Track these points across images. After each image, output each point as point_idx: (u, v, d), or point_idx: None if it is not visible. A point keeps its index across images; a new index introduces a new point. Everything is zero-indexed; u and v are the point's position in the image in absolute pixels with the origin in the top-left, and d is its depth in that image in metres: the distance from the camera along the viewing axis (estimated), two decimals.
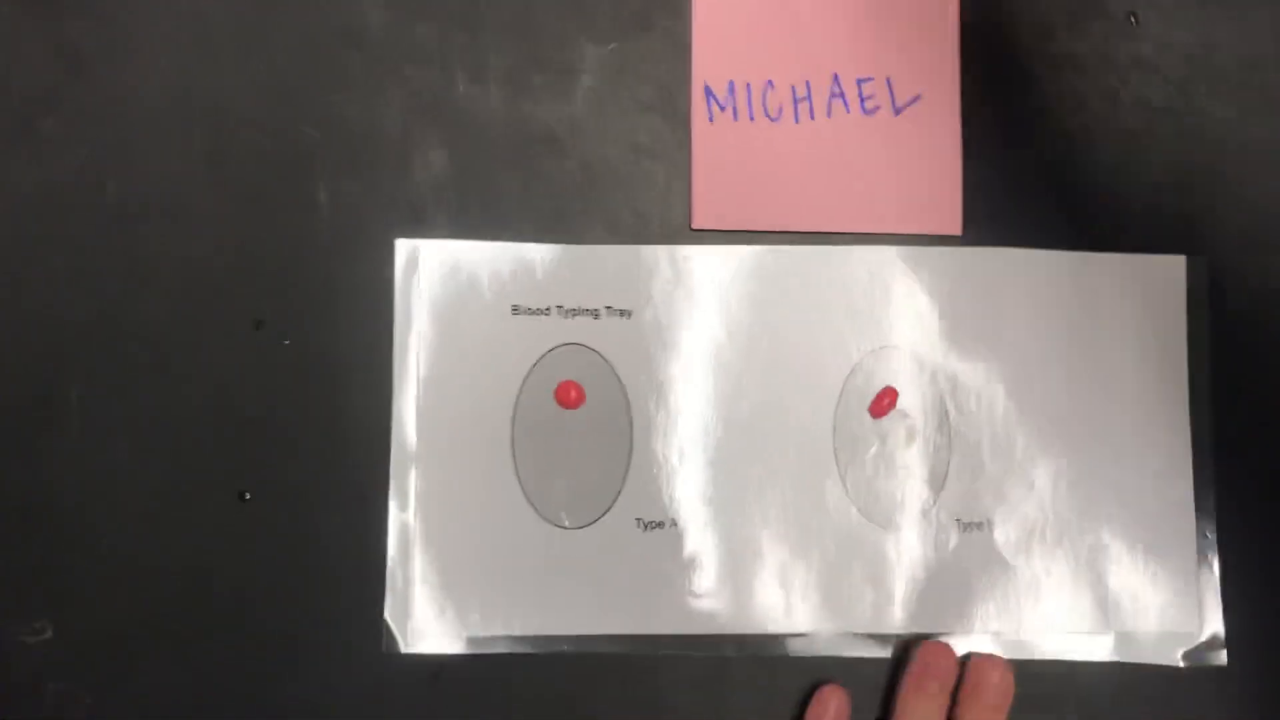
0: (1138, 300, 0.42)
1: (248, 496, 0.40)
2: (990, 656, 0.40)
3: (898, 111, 0.43)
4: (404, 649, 0.40)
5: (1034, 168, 0.43)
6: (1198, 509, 0.42)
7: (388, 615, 0.40)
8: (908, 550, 0.41)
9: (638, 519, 0.41)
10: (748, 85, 0.42)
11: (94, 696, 0.39)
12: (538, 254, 0.41)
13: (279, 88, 0.41)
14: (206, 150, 0.41)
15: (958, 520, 0.41)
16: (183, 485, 0.40)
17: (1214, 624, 0.41)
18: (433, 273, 0.41)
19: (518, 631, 0.40)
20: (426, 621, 0.40)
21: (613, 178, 0.42)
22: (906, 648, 0.41)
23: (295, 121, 0.41)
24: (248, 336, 0.40)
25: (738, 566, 0.41)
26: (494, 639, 0.40)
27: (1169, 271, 0.43)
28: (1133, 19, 0.44)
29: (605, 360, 0.41)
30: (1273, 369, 0.43)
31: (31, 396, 0.40)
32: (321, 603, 0.40)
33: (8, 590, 0.39)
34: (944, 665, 0.39)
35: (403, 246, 0.41)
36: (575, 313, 0.41)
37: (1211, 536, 0.42)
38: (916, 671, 0.39)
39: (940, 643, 0.40)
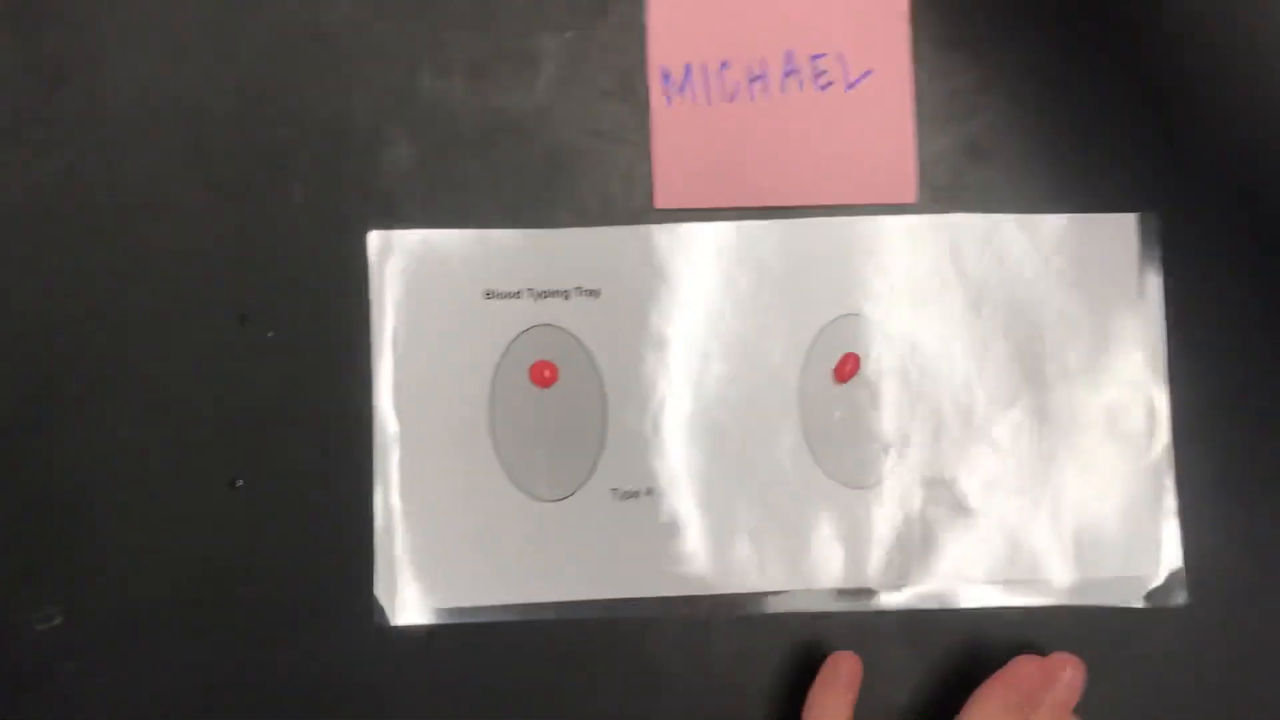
0: (1092, 259, 0.44)
1: (239, 484, 0.42)
2: (1063, 656, 0.40)
3: (850, 87, 0.44)
4: (394, 621, 0.42)
5: (986, 133, 0.44)
6: (1154, 453, 0.43)
7: (377, 591, 0.42)
8: (875, 508, 0.43)
9: (614, 489, 0.42)
10: (704, 67, 0.44)
11: (105, 678, 0.41)
12: (507, 240, 0.43)
13: (251, 88, 0.43)
14: (185, 151, 0.42)
15: (923, 477, 0.43)
16: (177, 474, 0.42)
17: (1173, 564, 0.43)
18: (406, 261, 0.42)
19: (502, 600, 0.42)
20: (414, 595, 0.42)
21: (576, 163, 0.43)
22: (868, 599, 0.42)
23: (269, 120, 0.43)
24: (233, 331, 0.42)
25: (712, 530, 0.42)
26: (479, 609, 0.42)
27: (1121, 229, 0.44)
28: None
29: (577, 339, 0.43)
30: (1225, 320, 0.44)
31: (29, 392, 0.42)
32: (314, 581, 0.42)
33: (18, 580, 0.41)
34: (1027, 674, 0.39)
35: (375, 237, 0.42)
36: (546, 295, 0.43)
37: (1169, 482, 0.43)
38: (1003, 680, 0.39)
39: (1029, 658, 0.39)
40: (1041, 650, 0.41)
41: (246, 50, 0.43)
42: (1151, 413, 0.43)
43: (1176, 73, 0.45)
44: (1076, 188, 0.44)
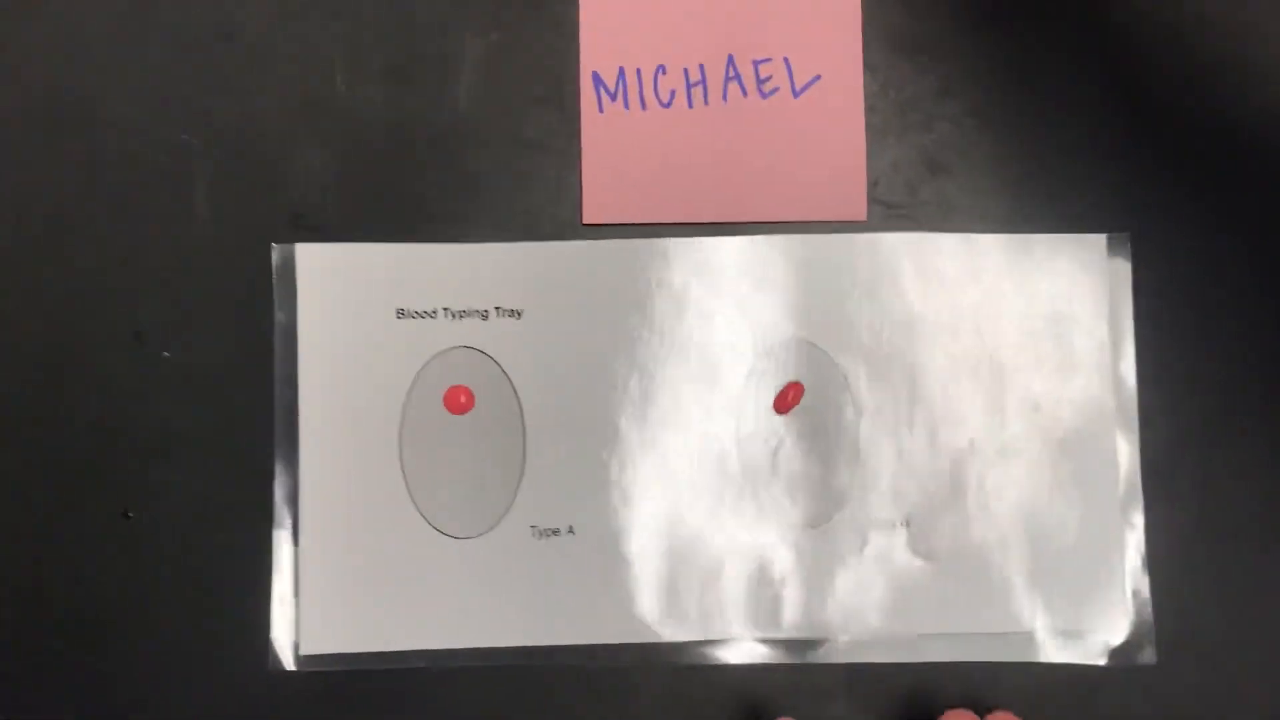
0: (1055, 284, 0.40)
1: (130, 514, 0.39)
2: (1002, 715, 0.37)
3: (797, 94, 0.41)
4: (291, 667, 0.39)
5: (943, 146, 0.41)
6: (1124, 501, 0.40)
7: (274, 632, 0.39)
8: (819, 551, 0.39)
9: (533, 526, 0.39)
10: (638, 71, 0.41)
11: None
12: (422, 254, 0.40)
13: (153, 90, 0.40)
14: (81, 157, 0.40)
15: (871, 518, 0.40)
16: (65, 503, 0.39)
17: (1143, 622, 0.39)
18: (312, 277, 0.39)
19: (409, 646, 0.39)
20: (313, 638, 0.39)
21: (500, 174, 0.40)
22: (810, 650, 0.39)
23: (170, 125, 0.40)
24: (127, 349, 0.39)
25: (639, 573, 0.39)
26: (385, 655, 0.39)
27: (1089, 251, 0.40)
28: None
29: (496, 363, 0.40)
30: (1199, 351, 0.40)
31: None
32: (207, 621, 0.39)
33: None
34: None
35: (281, 251, 0.40)
36: (463, 315, 0.40)
37: (1139, 526, 0.40)
38: None
39: (961, 714, 0.36)
40: (989, 708, 0.37)
41: (148, 50, 0.40)
42: (1119, 451, 0.40)
43: (1147, 85, 0.41)
44: (1039, 206, 0.41)
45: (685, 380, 0.40)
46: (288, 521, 0.39)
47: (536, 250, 0.40)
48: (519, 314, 0.40)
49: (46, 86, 0.40)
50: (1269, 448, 0.40)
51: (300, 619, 0.39)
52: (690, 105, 0.41)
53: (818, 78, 0.41)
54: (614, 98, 0.41)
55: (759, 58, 0.41)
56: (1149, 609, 0.39)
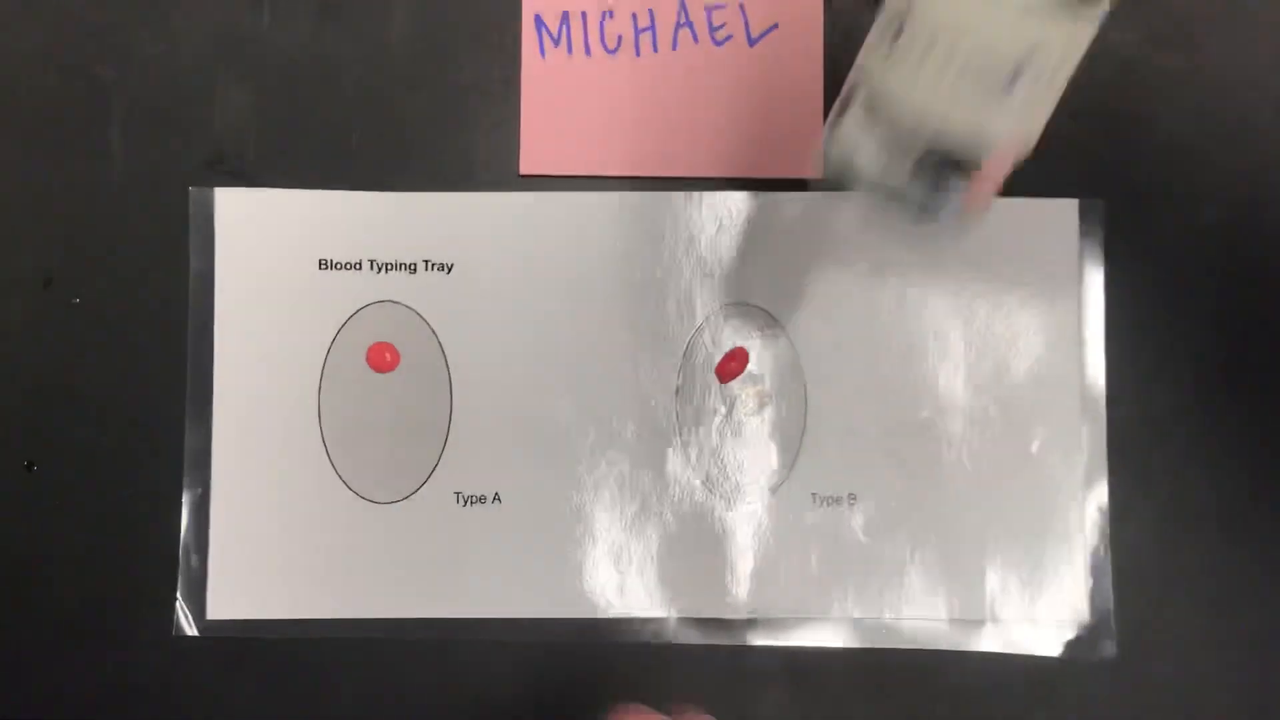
0: (1022, 251, 0.38)
1: (34, 467, 0.37)
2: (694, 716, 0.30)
3: (752, 42, 0.38)
4: (196, 632, 0.37)
5: None
6: (1087, 485, 0.37)
7: (180, 595, 0.37)
8: (755, 527, 0.37)
9: (457, 493, 0.37)
10: (583, 14, 0.38)
11: None
12: (347, 202, 0.37)
13: (67, 20, 0.38)
14: None
15: (813, 495, 0.37)
16: None
17: (1102, 613, 0.37)
18: (231, 224, 0.37)
19: (324, 614, 0.37)
20: (222, 602, 0.37)
21: (432, 119, 0.38)
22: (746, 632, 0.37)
23: (84, 57, 0.38)
24: (36, 295, 0.37)
25: (567, 544, 0.37)
26: (297, 623, 0.37)
27: (1060, 217, 0.38)
28: None
29: (422, 319, 0.37)
30: (1173, 330, 0.38)
31: None
32: (112, 581, 0.37)
33: None
34: None
35: (199, 194, 0.37)
36: (389, 268, 0.38)
37: (1103, 514, 0.37)
38: None
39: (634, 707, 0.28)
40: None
41: None
42: (1083, 432, 0.37)
43: (1129, 40, 0.38)
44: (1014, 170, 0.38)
45: (624, 344, 0.37)
46: (199, 480, 0.37)
47: (469, 201, 0.38)
48: (449, 268, 0.38)
49: None
50: (1240, 434, 0.37)
51: (208, 582, 0.37)
52: (638, 53, 0.38)
53: (775, 26, 0.38)
54: (557, 42, 0.38)
55: (712, 3, 0.38)
56: (1110, 600, 0.37)
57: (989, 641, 0.37)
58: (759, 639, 0.37)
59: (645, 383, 0.37)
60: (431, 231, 0.37)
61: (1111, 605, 0.37)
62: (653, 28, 0.38)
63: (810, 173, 0.38)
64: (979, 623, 0.37)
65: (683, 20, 0.38)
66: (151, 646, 0.37)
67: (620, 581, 0.37)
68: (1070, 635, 0.37)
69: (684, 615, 0.37)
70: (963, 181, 0.27)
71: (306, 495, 0.37)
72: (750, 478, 0.37)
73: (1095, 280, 0.38)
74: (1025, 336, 0.38)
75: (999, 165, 0.27)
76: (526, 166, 0.38)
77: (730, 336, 0.38)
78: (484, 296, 0.37)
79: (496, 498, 0.37)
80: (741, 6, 0.38)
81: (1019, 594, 0.37)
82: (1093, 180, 0.38)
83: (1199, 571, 0.37)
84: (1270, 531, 0.37)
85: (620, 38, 0.38)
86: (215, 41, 0.38)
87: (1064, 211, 0.38)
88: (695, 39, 0.38)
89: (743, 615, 0.37)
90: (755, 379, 0.38)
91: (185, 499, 0.37)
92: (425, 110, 0.38)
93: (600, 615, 0.37)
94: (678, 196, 0.38)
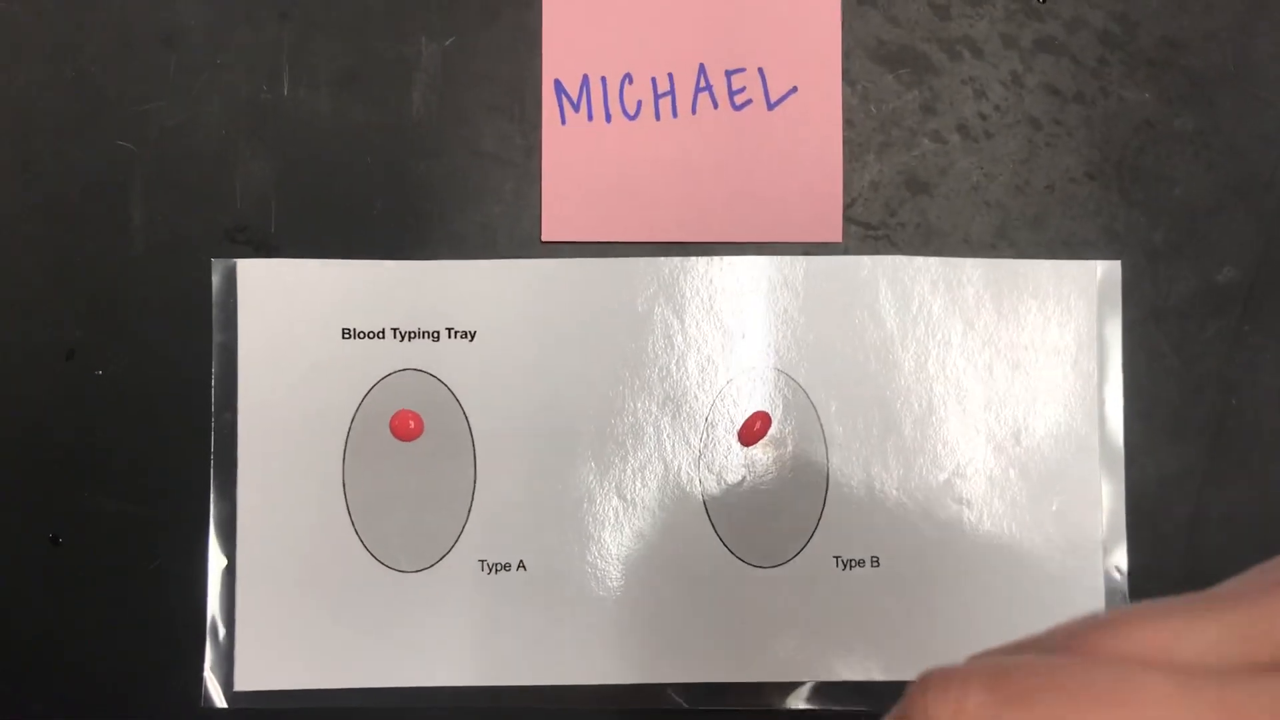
0: (1041, 313, 0.38)
1: (60, 540, 0.37)
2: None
3: (771, 106, 0.38)
4: (225, 704, 0.37)
5: (923, 166, 0.38)
6: (1107, 544, 0.38)
7: (208, 668, 0.37)
8: (779, 591, 0.37)
9: (481, 560, 0.37)
10: (603, 79, 0.38)
11: None
12: (370, 272, 0.38)
13: (91, 95, 0.38)
14: (12, 163, 0.38)
15: (835, 558, 0.38)
16: None
17: None
18: (253, 294, 0.37)
19: (351, 684, 0.37)
20: (249, 675, 0.37)
21: (454, 187, 0.38)
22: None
23: (107, 129, 0.38)
24: (58, 367, 0.37)
25: (592, 610, 0.37)
26: (324, 692, 0.37)
27: (1077, 280, 0.38)
28: None
29: (446, 387, 0.38)
30: (1190, 391, 0.38)
31: None
32: (139, 653, 0.37)
33: None
34: None
35: (221, 266, 0.37)
36: (413, 336, 0.38)
37: (1123, 572, 0.38)
38: None
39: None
40: None
41: (86, 48, 0.38)
42: (1103, 491, 0.38)
43: (1146, 104, 0.39)
44: (1026, 230, 0.38)
45: (646, 409, 0.38)
46: (225, 551, 0.37)
47: (492, 269, 0.38)
48: (472, 336, 0.38)
49: None
50: (1260, 493, 0.38)
51: (235, 654, 0.37)
52: (658, 117, 0.38)
53: (794, 90, 0.38)
54: (577, 108, 0.38)
55: (732, 68, 0.38)
56: None
57: None
58: (785, 704, 0.37)
59: (668, 447, 0.38)
60: (454, 299, 0.38)
61: None
62: (672, 92, 0.38)
63: (828, 237, 0.38)
64: None
65: (702, 85, 0.38)
66: (179, 719, 0.37)
67: (646, 647, 0.37)
68: None
69: (710, 680, 0.37)
70: None
71: (332, 564, 0.37)
72: (773, 542, 0.38)
73: (1114, 341, 0.38)
74: (1044, 397, 0.38)
75: None
76: (549, 233, 0.38)
77: (752, 400, 0.38)
78: (507, 364, 0.38)
79: (521, 565, 0.37)
80: (761, 71, 0.38)
81: None
82: (1110, 241, 0.38)
83: None
84: None
85: (640, 103, 0.38)
86: (236, 112, 0.38)
87: (1082, 273, 0.38)
88: (715, 104, 0.38)
89: (769, 680, 0.37)
90: (778, 443, 0.38)
91: (211, 570, 0.37)
92: (446, 178, 0.38)
93: (626, 681, 0.37)
94: (699, 261, 0.38)
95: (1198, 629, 0.14)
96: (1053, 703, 0.14)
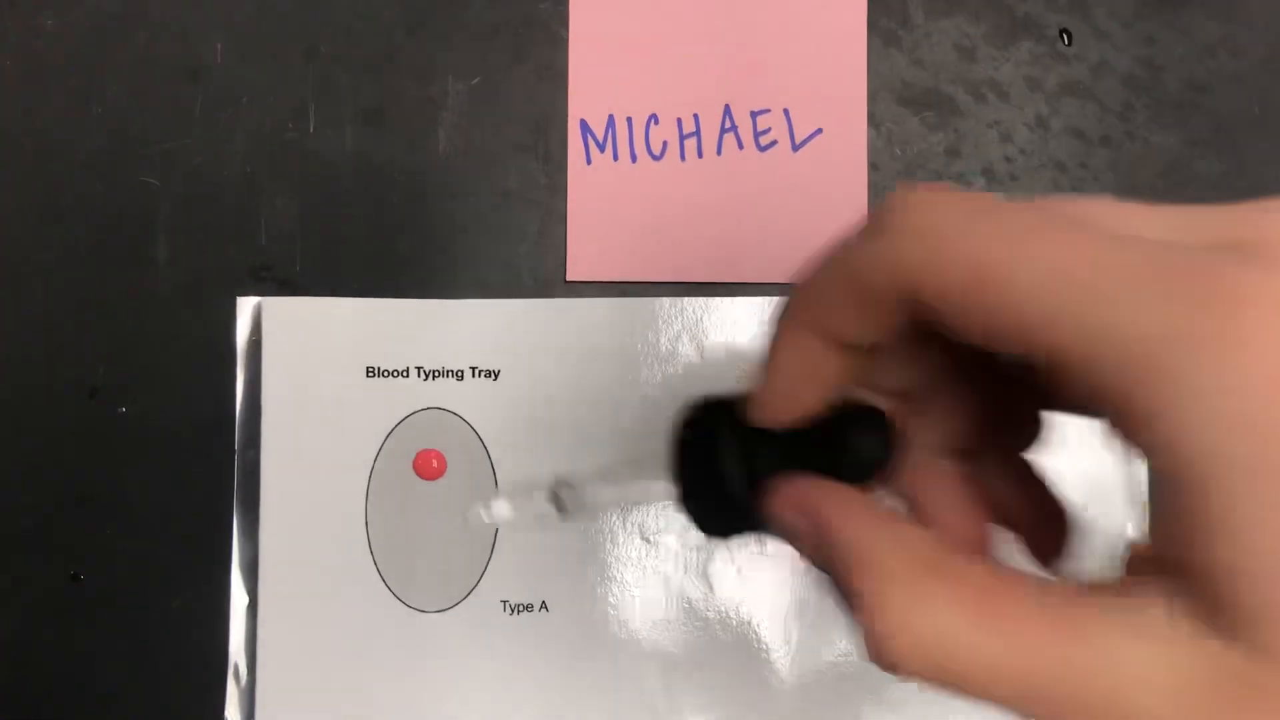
0: None
1: (81, 578, 0.37)
2: None
3: (797, 148, 0.38)
4: None
5: None
6: None
7: (229, 711, 0.37)
8: (810, 634, 0.37)
9: (504, 601, 0.37)
10: (629, 120, 0.38)
11: None
12: (394, 311, 0.38)
13: (115, 132, 0.38)
14: (36, 197, 0.38)
15: None
16: (11, 566, 0.37)
17: None
18: (278, 333, 0.37)
19: None
20: (271, 715, 0.36)
21: (479, 226, 0.38)
22: None
23: (132, 166, 0.38)
24: (81, 405, 0.37)
25: (615, 652, 0.37)
26: None
27: None
28: (1064, 37, 0.39)
29: (470, 426, 0.38)
30: None
31: None
32: (160, 694, 0.37)
33: None
34: None
35: (245, 304, 0.37)
36: (437, 375, 0.38)
37: None
38: None
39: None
40: None
41: (110, 85, 0.38)
42: (1127, 532, 0.38)
43: (1169, 148, 0.39)
44: None
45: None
46: (246, 591, 0.37)
47: (516, 308, 0.38)
48: (496, 375, 0.38)
49: (2, 123, 0.38)
50: None
51: (257, 695, 0.37)
52: (683, 158, 0.38)
53: (819, 131, 0.38)
54: (602, 148, 0.38)
55: (757, 108, 0.38)
56: None
57: None
58: None
59: None
60: (479, 339, 0.38)
61: None
62: (698, 133, 0.38)
63: None
64: None
65: (728, 125, 0.38)
66: None
67: (669, 688, 0.37)
68: None
69: None
70: None
71: (354, 604, 0.37)
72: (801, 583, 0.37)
73: None
74: (1067, 442, 0.38)
75: None
76: (573, 273, 0.38)
77: None
78: (531, 403, 0.37)
79: (544, 606, 0.37)
80: (786, 112, 0.38)
81: None
82: None
83: None
84: None
85: (665, 143, 0.38)
86: (261, 150, 0.38)
87: None
88: (740, 145, 0.38)
89: None
90: None
91: (233, 609, 0.37)
92: (471, 217, 0.38)
93: None
94: (724, 301, 0.38)
95: (1142, 216, 0.17)
96: (1015, 214, 0.16)
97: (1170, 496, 0.15)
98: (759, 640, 0.37)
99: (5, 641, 0.37)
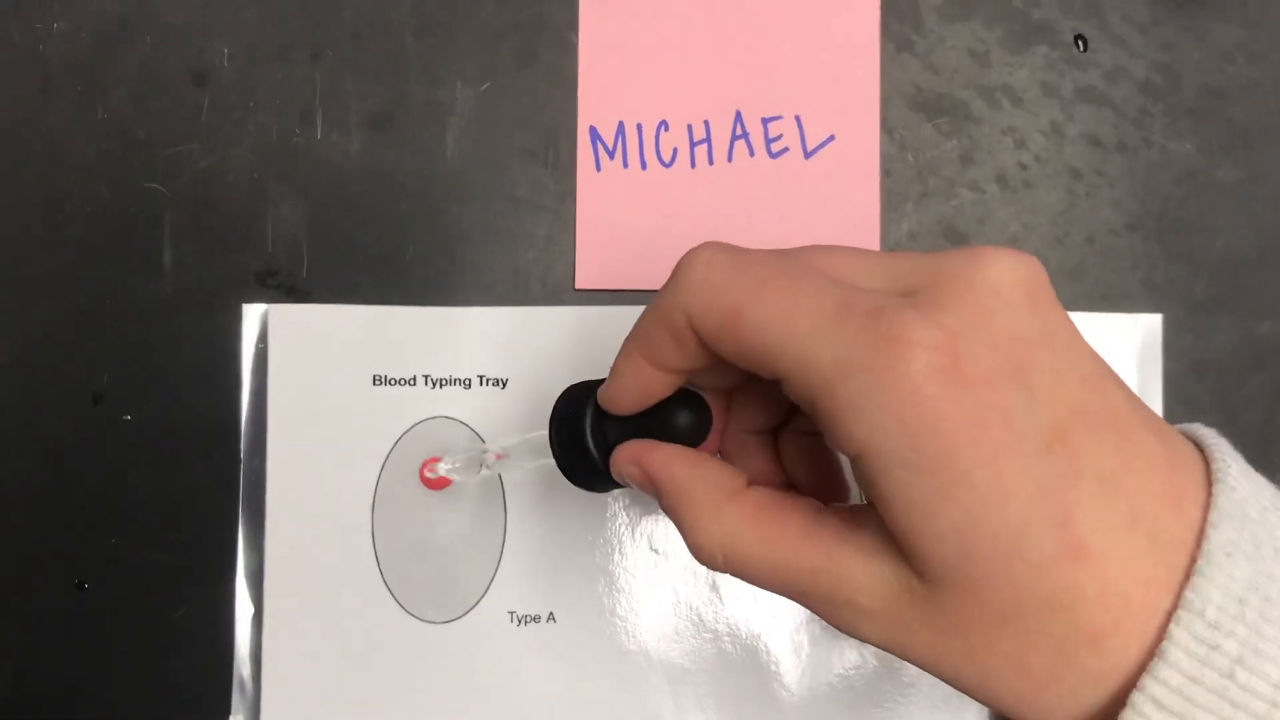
0: None
1: (85, 585, 0.37)
2: None
3: (809, 155, 0.38)
4: None
5: (962, 216, 0.38)
6: None
7: (234, 716, 0.36)
8: (822, 642, 0.37)
9: (511, 612, 0.37)
10: (639, 126, 0.38)
11: None
12: (401, 318, 0.37)
13: (121, 136, 0.38)
14: (43, 206, 0.37)
15: None
16: (15, 573, 0.37)
17: None
18: (284, 340, 0.37)
19: None
20: None
21: (487, 233, 0.38)
22: None
23: (136, 172, 0.37)
24: (85, 411, 0.37)
25: (622, 663, 0.37)
26: None
27: (1117, 334, 0.38)
28: (1080, 43, 0.38)
29: (478, 435, 0.37)
30: (1230, 441, 0.38)
31: None
32: (164, 703, 0.36)
33: None
34: None
35: (251, 312, 0.37)
36: (444, 383, 0.37)
37: None
38: None
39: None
40: None
41: (116, 89, 0.38)
42: None
43: (1187, 155, 0.38)
44: (1065, 282, 0.38)
45: None
46: (251, 600, 0.36)
47: (525, 316, 0.37)
48: (504, 383, 0.37)
49: (8, 127, 0.38)
50: None
51: (263, 704, 0.36)
52: (693, 165, 0.38)
53: (831, 138, 0.38)
54: (612, 155, 0.38)
55: (768, 115, 0.38)
56: None
57: None
58: None
59: None
60: (486, 347, 0.37)
61: None
62: (709, 140, 0.38)
63: None
64: None
65: (739, 132, 0.38)
66: None
67: (677, 701, 0.37)
68: None
69: None
70: None
71: (360, 614, 0.37)
72: None
73: (1154, 394, 0.38)
74: None
75: None
76: (582, 281, 0.38)
77: None
78: (540, 412, 0.37)
79: (551, 617, 0.37)
80: (798, 119, 0.38)
81: None
82: (1150, 294, 0.38)
83: None
84: None
85: (676, 150, 0.38)
86: (267, 155, 0.37)
87: (1122, 327, 0.38)
88: (751, 152, 0.38)
89: None
90: None
91: (238, 618, 0.36)
92: (480, 224, 0.38)
93: None
94: None
95: (867, 264, 0.23)
96: (762, 266, 0.22)
97: (855, 473, 0.21)
98: (768, 653, 0.37)
99: (9, 651, 0.37)
